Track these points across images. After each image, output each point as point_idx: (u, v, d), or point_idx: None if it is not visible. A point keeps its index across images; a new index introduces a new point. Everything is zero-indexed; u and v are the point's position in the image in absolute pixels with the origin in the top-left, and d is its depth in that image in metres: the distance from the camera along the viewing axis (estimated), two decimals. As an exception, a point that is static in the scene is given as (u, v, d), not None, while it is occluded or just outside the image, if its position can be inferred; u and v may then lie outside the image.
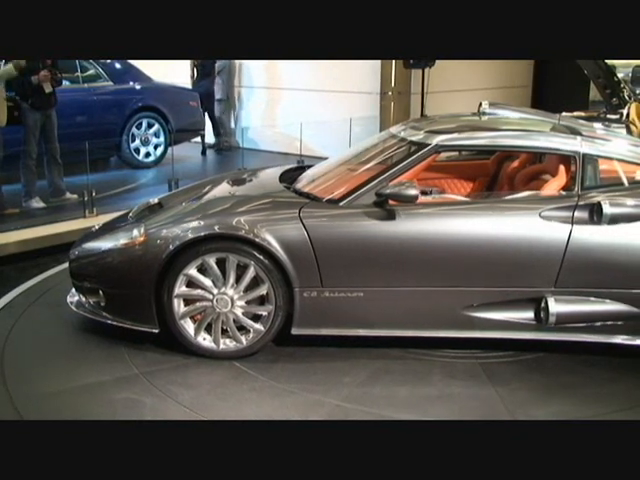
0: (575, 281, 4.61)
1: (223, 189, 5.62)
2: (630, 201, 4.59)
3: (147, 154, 11.32)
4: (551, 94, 13.13)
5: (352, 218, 4.65)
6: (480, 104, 5.78)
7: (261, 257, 4.61)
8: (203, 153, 13.07)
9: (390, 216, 4.61)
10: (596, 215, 4.53)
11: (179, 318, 4.75)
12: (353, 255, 4.62)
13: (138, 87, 11.32)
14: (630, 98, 9.49)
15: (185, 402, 4.26)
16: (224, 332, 4.78)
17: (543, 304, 4.59)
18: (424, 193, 5.17)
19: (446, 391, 4.44)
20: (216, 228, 4.65)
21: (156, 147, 11.42)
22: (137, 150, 11.19)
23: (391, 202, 4.63)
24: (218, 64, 13.04)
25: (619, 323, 4.65)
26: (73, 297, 5.33)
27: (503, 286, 4.65)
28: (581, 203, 4.60)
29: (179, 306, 4.74)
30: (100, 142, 10.01)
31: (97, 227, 5.63)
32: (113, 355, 4.86)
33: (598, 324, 4.66)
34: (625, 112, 9.22)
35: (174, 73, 12.88)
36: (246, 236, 4.60)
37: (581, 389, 4.49)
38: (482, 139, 5.02)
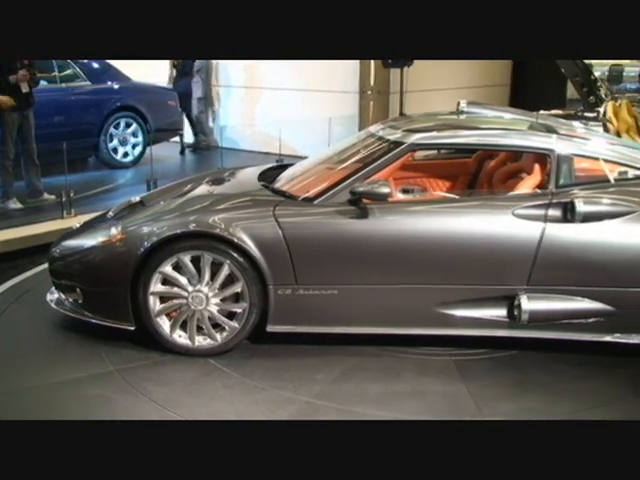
0: (548, 279, 4.63)
1: (203, 188, 5.62)
2: (604, 199, 4.61)
3: (125, 154, 11.26)
4: (529, 93, 13.17)
5: (326, 216, 4.67)
6: (458, 103, 5.82)
7: (235, 255, 4.61)
8: (182, 153, 13.02)
9: (364, 214, 4.63)
10: (569, 213, 4.55)
11: (155, 315, 4.75)
12: (327, 253, 4.63)
13: (116, 87, 11.25)
14: (607, 96, 9.59)
15: (158, 399, 4.26)
16: (199, 329, 4.79)
17: (516, 302, 4.61)
18: (405, 192, 5.21)
19: (418, 388, 4.45)
20: (191, 226, 4.66)
21: (134, 147, 11.36)
22: (115, 150, 11.14)
23: (365, 200, 4.65)
24: (196, 63, 13.01)
25: (592, 321, 4.67)
26: (53, 295, 5.33)
27: (477, 284, 4.68)
28: (555, 201, 4.62)
29: (155, 304, 4.74)
30: (78, 142, 9.93)
31: (77, 225, 5.62)
32: (90, 352, 4.86)
33: (571, 322, 4.68)
34: (602, 110, 9.29)
35: (154, 73, 12.80)
36: (220, 234, 4.60)
37: (555, 386, 4.50)
38: (458, 137, 5.06)
